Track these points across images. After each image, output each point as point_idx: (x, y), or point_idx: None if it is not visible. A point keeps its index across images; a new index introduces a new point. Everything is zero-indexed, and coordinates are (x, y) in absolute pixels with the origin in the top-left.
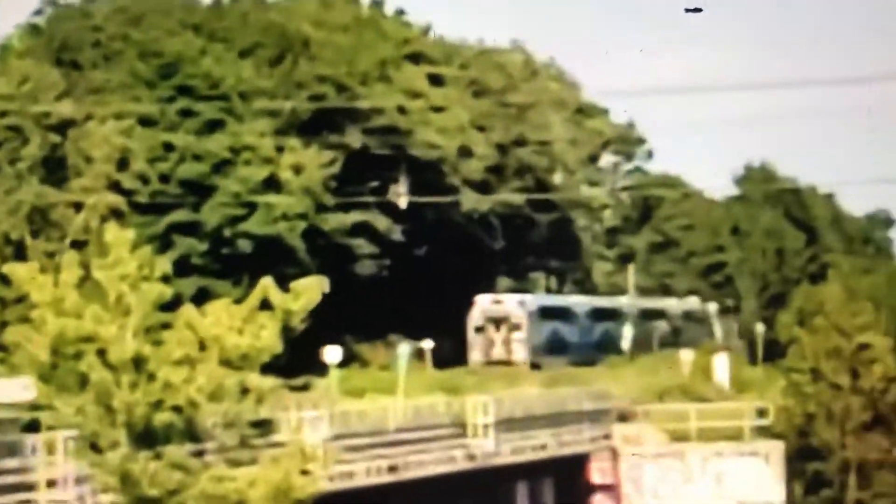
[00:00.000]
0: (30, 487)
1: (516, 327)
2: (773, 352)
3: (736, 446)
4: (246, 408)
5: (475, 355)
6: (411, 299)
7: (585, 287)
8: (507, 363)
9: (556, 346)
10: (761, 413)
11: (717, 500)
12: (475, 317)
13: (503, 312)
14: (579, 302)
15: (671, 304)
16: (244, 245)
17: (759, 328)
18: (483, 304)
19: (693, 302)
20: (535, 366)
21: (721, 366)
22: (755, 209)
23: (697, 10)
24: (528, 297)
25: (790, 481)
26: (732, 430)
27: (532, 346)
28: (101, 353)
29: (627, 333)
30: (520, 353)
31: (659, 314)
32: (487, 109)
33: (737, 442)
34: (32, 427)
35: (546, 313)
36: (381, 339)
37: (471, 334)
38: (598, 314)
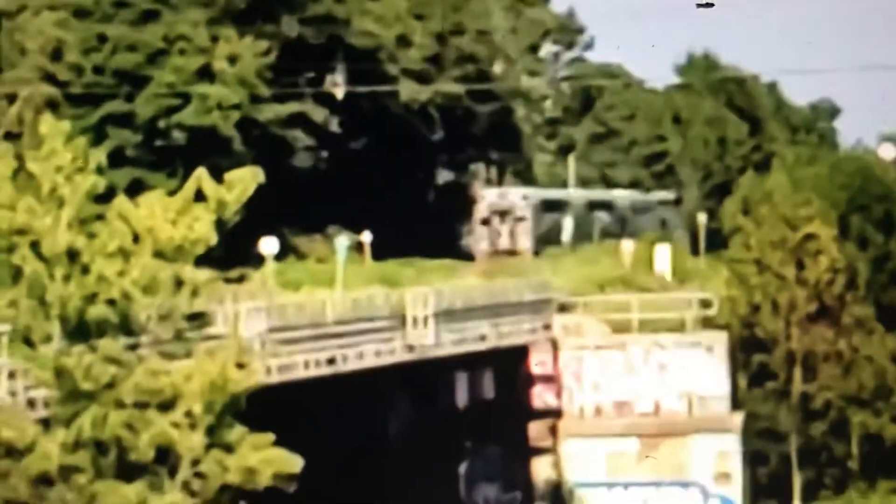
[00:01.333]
0: None
1: (521, 219)
2: (716, 242)
3: (678, 337)
4: (181, 300)
5: (482, 245)
6: (349, 191)
7: (526, 178)
8: (512, 252)
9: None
10: (704, 304)
11: (659, 392)
12: (481, 209)
13: (508, 205)
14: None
15: (619, 195)
16: (178, 136)
17: (702, 218)
18: (490, 198)
19: (641, 194)
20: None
21: (663, 256)
22: (697, 98)
23: (709, 4)
24: (530, 190)
25: (734, 373)
26: (675, 322)
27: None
28: (35, 246)
29: (568, 225)
30: (524, 243)
31: (604, 205)
32: None
33: (679, 333)
34: None
35: (548, 206)
36: (318, 231)
37: (476, 226)
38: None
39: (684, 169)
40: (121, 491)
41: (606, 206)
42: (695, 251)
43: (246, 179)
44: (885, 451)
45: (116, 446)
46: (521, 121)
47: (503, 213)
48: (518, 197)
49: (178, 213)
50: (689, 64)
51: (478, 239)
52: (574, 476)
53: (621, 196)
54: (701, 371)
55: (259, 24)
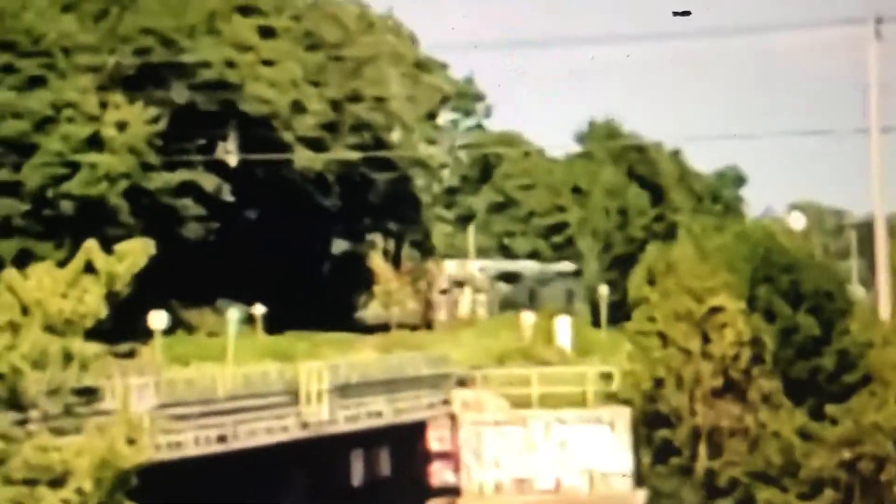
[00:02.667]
0: None
1: (479, 290)
2: (618, 315)
3: (580, 413)
4: (70, 375)
5: (440, 315)
6: (242, 263)
7: (424, 249)
8: (471, 322)
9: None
10: (606, 377)
11: (561, 469)
12: (441, 280)
13: (467, 276)
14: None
15: (528, 266)
16: (66, 206)
17: (603, 290)
18: (450, 269)
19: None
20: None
21: (563, 329)
22: (597, 167)
23: (686, 13)
24: (487, 263)
25: (637, 449)
26: (576, 396)
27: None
28: None
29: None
30: (482, 312)
31: (509, 276)
32: (321, 63)
33: (581, 408)
34: None
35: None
36: (209, 304)
37: (436, 296)
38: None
39: (585, 239)
40: None
41: (512, 277)
42: (596, 324)
43: (136, 251)
44: None
45: None
46: (419, 190)
47: (461, 284)
48: (476, 268)
49: (68, 286)
50: (590, 131)
51: (437, 308)
52: None
53: (530, 267)
54: (603, 447)
55: (149, 90)
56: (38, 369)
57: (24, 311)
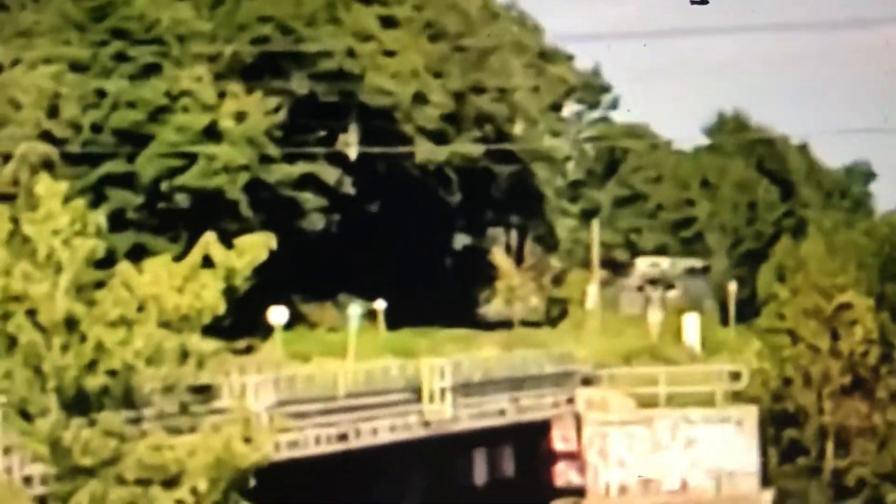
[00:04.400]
0: None
1: (671, 286)
2: (746, 312)
3: (707, 412)
4: (186, 372)
5: (654, 315)
6: (362, 257)
7: (548, 244)
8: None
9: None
10: (734, 376)
11: (686, 469)
12: (635, 277)
13: (659, 273)
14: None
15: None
16: (182, 199)
17: (732, 287)
18: (642, 267)
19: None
20: None
21: (691, 327)
22: (726, 160)
23: (705, 2)
24: (678, 260)
25: (765, 448)
26: (703, 395)
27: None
28: (31, 314)
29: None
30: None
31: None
32: (443, 54)
33: (708, 407)
34: None
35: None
36: (329, 299)
37: (630, 293)
38: None
39: (713, 234)
40: None
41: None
42: (724, 321)
43: (257, 245)
44: None
45: None
46: (542, 183)
47: (654, 282)
48: (668, 265)
49: (185, 280)
50: (719, 124)
51: (631, 304)
52: None
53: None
54: (730, 447)
55: (268, 80)
56: (152, 366)
57: (139, 306)
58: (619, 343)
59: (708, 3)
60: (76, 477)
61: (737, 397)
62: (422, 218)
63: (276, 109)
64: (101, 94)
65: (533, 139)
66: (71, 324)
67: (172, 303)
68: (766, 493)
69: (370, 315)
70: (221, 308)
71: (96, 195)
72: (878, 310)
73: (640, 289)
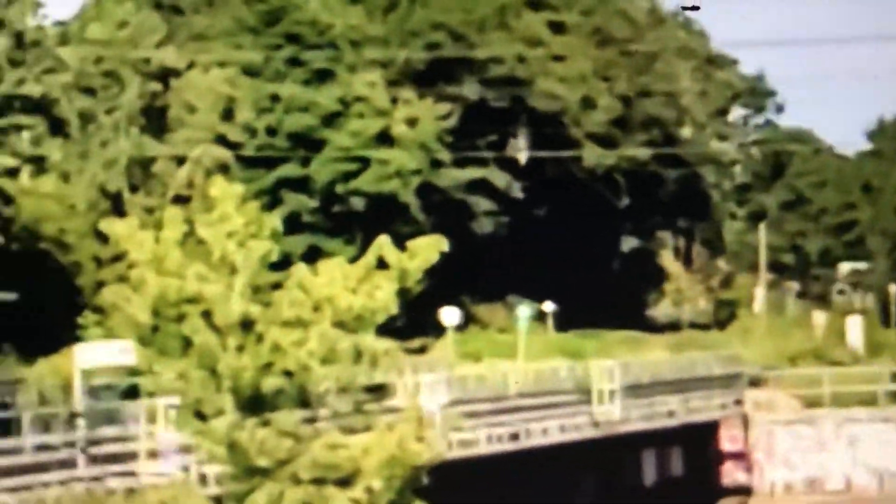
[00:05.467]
0: (130, 458)
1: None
2: None
3: (871, 412)
4: (360, 372)
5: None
6: (532, 259)
7: (715, 247)
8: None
9: None
10: None
11: (850, 468)
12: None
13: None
14: None
15: None
16: (356, 202)
17: (893, 289)
18: (843, 270)
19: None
20: None
21: (854, 328)
22: (888, 165)
23: (695, 8)
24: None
25: None
26: (867, 395)
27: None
28: (206, 315)
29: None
30: None
31: None
32: (611, 59)
33: (871, 407)
34: (132, 394)
35: None
36: (499, 300)
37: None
38: None
39: (874, 238)
40: None
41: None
42: (885, 322)
43: (429, 248)
44: None
45: None
46: (709, 187)
47: (855, 285)
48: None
49: (359, 282)
50: (880, 130)
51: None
52: None
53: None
54: (892, 446)
55: (440, 86)
56: (327, 366)
57: (314, 307)
58: (785, 345)
59: (699, 8)
60: (252, 477)
61: None
62: (590, 221)
63: (448, 115)
64: (275, 98)
65: (700, 143)
66: (246, 325)
67: (346, 303)
68: None
69: (539, 316)
70: (394, 308)
71: (272, 198)
72: None
73: (842, 293)
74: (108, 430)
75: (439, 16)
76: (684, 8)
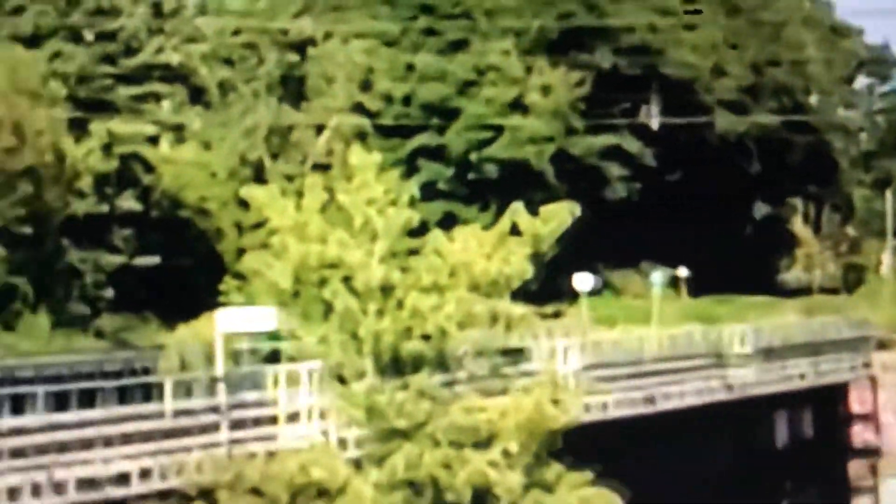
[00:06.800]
0: (271, 422)
1: None
2: None
3: None
4: (496, 336)
5: None
6: (665, 225)
7: (844, 213)
8: None
9: None
10: None
11: None
12: None
13: None
14: None
15: None
16: (490, 170)
17: None
18: None
19: None
20: None
21: None
22: None
23: (698, 11)
24: None
25: None
26: None
27: None
28: (347, 280)
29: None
30: None
31: None
32: (740, 27)
33: None
34: (273, 358)
35: None
36: (633, 266)
37: None
38: None
39: None
40: None
41: None
42: None
43: (561, 213)
44: None
45: (432, 487)
46: (837, 154)
47: None
48: None
49: (494, 248)
50: None
51: None
52: None
53: None
54: None
55: (573, 55)
56: (463, 330)
57: (451, 272)
58: None
59: (701, 12)
60: (391, 440)
61: None
62: (722, 187)
63: (580, 83)
64: (411, 67)
65: (828, 110)
66: (386, 290)
67: (482, 269)
68: None
69: (673, 282)
70: (529, 273)
71: (409, 167)
72: None
73: None
74: (249, 395)
75: None
76: (686, 12)
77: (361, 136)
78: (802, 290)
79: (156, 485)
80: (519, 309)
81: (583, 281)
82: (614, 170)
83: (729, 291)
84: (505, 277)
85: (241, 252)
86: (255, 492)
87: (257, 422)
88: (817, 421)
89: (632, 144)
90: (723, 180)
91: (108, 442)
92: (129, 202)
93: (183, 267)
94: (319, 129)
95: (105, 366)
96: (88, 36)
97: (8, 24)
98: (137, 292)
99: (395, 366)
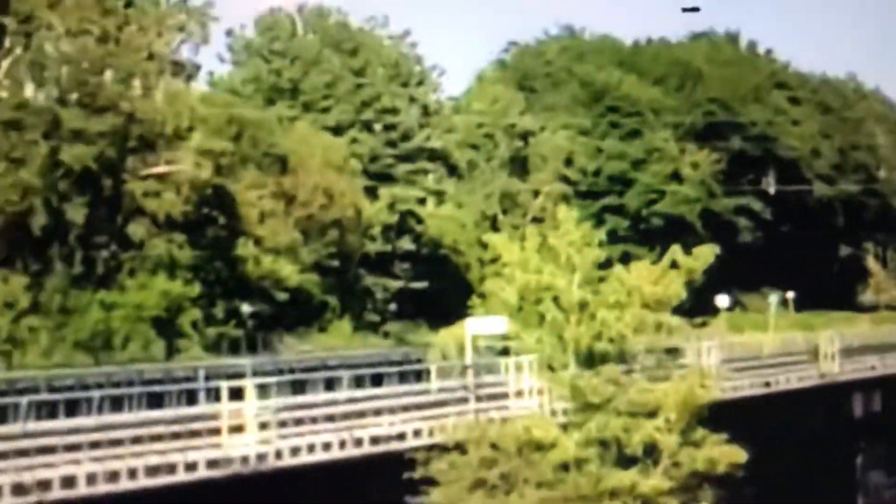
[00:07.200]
0: (503, 397)
1: None
2: None
3: None
4: (660, 339)
5: None
6: (779, 261)
7: None
8: None
9: None
10: None
11: None
12: None
13: None
14: None
15: None
16: (656, 222)
17: None
18: None
19: None
20: None
21: None
22: None
23: (695, 9)
24: None
25: None
26: None
27: None
28: (556, 299)
29: None
30: None
31: None
32: (830, 122)
33: None
34: (504, 353)
35: None
36: (756, 290)
37: None
38: None
39: None
40: (619, 476)
41: None
42: None
43: (707, 253)
44: None
45: (616, 444)
46: None
47: None
48: None
49: (659, 277)
50: None
51: None
52: None
53: None
54: None
55: (713, 141)
56: (637, 335)
57: (628, 294)
58: None
59: (699, 10)
60: (587, 411)
61: None
62: (818, 235)
63: (719, 161)
64: (600, 150)
65: (892, 181)
66: (583, 306)
67: (650, 292)
68: None
69: (784, 302)
70: (683, 295)
71: (598, 220)
72: None
73: None
74: (488, 378)
75: (713, 92)
76: (685, 9)
77: (565, 199)
78: (873, 308)
79: (424, 441)
80: (676, 320)
81: (721, 300)
82: (743, 222)
83: (822, 308)
84: (667, 298)
85: (482, 279)
86: (493, 446)
87: (494, 397)
88: (883, 399)
89: (755, 204)
90: (818, 230)
91: (391, 410)
92: (405, 244)
93: (443, 289)
94: (536, 193)
95: (390, 357)
96: (377, 127)
97: (320, 119)
98: (412, 306)
99: (590, 360)
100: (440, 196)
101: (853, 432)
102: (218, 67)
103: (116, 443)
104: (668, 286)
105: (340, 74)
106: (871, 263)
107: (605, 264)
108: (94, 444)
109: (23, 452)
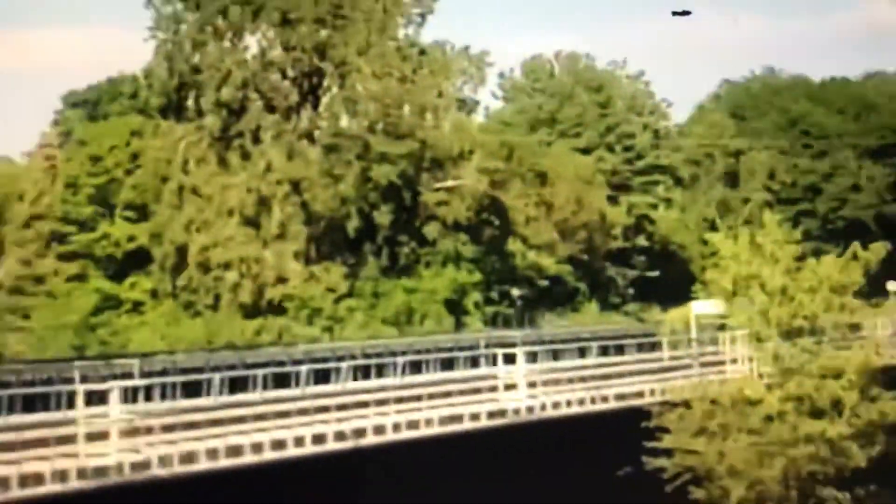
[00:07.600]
0: (721, 363)
1: None
2: None
3: None
4: (844, 317)
5: None
6: None
7: None
8: None
9: None
10: None
11: None
12: None
13: None
14: None
15: None
16: (841, 223)
17: None
18: None
19: None
20: None
21: None
22: None
23: (686, 13)
24: None
25: None
26: None
27: None
28: (762, 286)
29: None
30: None
31: None
32: None
33: None
34: (722, 329)
35: None
36: None
37: None
38: None
39: None
40: (811, 425)
41: None
42: None
43: (880, 248)
44: None
45: (809, 400)
46: None
47: None
48: None
49: (843, 267)
50: None
51: None
52: None
53: None
54: None
55: (885, 159)
56: (827, 313)
57: (819, 280)
58: None
59: (690, 13)
60: (787, 374)
61: None
62: None
63: (890, 174)
64: (796, 166)
65: None
66: (783, 291)
67: (836, 279)
68: None
69: None
70: (862, 282)
71: (794, 222)
72: None
73: None
74: (709, 349)
75: (885, 120)
76: (675, 13)
77: (769, 205)
78: None
79: (657, 398)
80: (856, 302)
81: (892, 286)
82: None
83: None
84: (849, 284)
85: (703, 270)
86: (713, 402)
87: (713, 363)
88: None
89: None
90: None
91: (631, 374)
92: (641, 241)
93: (671, 277)
94: (746, 200)
95: (630, 331)
96: (617, 148)
97: (572, 142)
98: (647, 291)
99: (788, 333)
100: (669, 203)
101: None
102: (492, 103)
103: (416, 398)
104: (849, 275)
105: (588, 107)
106: None
107: (801, 258)
108: (399, 400)
109: (342, 407)
